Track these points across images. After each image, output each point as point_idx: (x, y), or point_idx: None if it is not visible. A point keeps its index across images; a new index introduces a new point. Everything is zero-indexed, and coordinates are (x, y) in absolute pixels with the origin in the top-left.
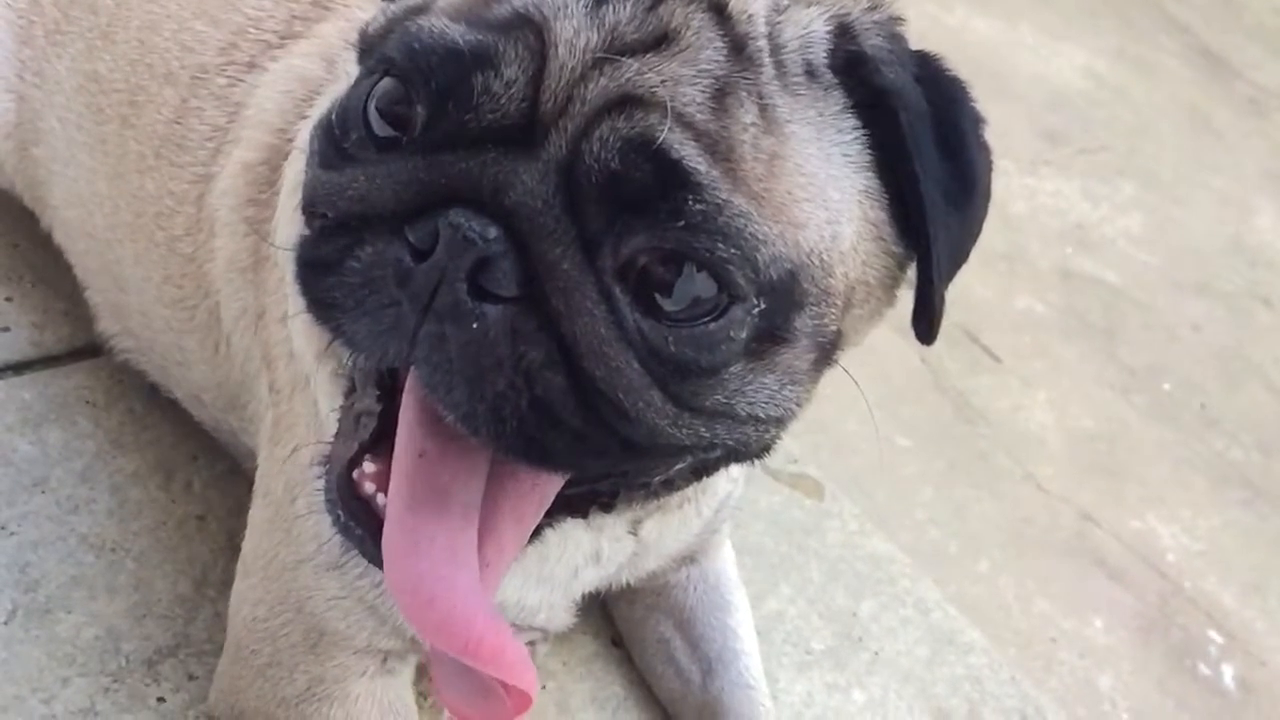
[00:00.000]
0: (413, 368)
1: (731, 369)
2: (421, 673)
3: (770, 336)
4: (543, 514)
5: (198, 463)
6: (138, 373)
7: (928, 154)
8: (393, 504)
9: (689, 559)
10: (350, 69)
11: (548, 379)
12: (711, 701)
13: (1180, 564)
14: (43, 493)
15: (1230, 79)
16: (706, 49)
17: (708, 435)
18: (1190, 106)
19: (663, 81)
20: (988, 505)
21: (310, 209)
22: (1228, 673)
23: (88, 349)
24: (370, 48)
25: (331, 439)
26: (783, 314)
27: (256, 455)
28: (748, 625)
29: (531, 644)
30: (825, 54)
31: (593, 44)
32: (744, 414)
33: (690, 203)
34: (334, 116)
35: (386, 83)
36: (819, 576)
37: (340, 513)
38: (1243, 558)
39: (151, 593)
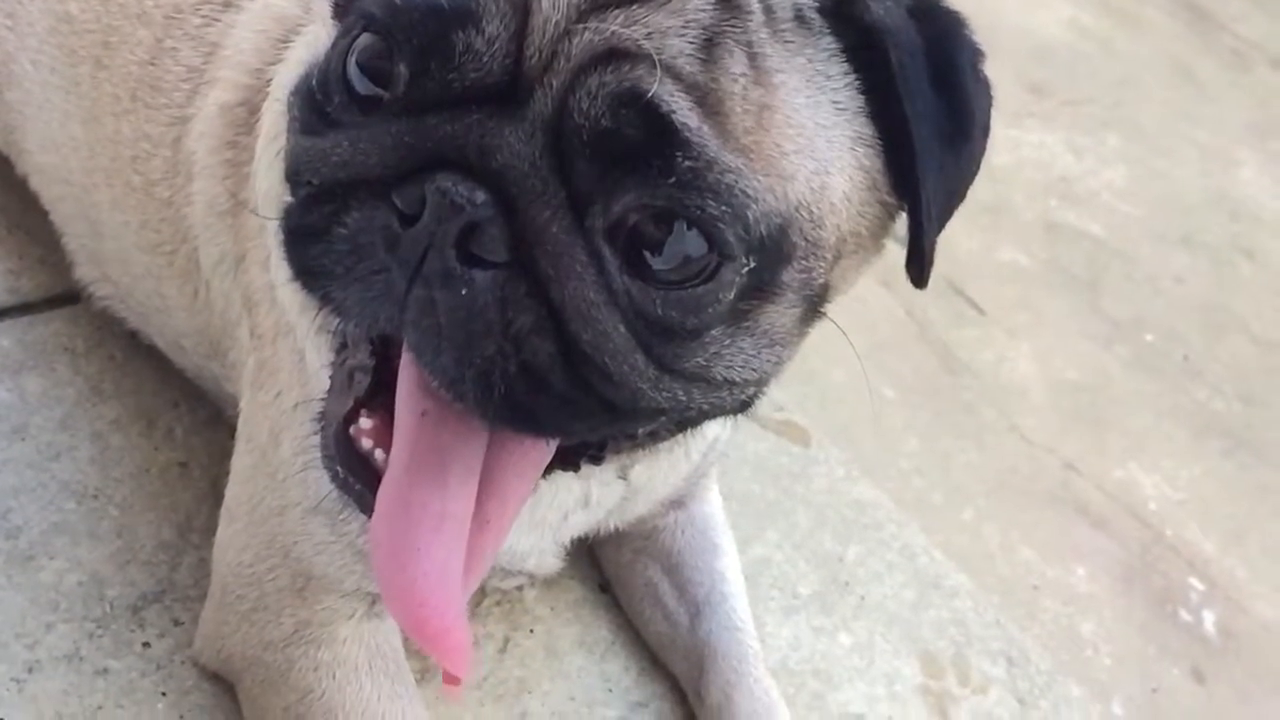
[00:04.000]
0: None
1: (713, 331)
2: None
3: (756, 292)
4: (544, 468)
5: (179, 409)
6: (117, 320)
7: (920, 92)
8: (393, 464)
9: (677, 503)
10: (324, 10)
11: (536, 344)
12: (699, 644)
13: (1162, 513)
14: (22, 440)
15: (1214, 31)
16: (694, 1)
17: (684, 399)
18: (1175, 59)
19: (649, 33)
20: (972, 455)
21: (295, 177)
22: (1209, 619)
23: (66, 296)
24: (346, 3)
25: (324, 395)
26: (770, 269)
27: (239, 402)
28: (735, 569)
29: (519, 588)
30: None
31: None
32: (720, 378)
33: (680, 159)
34: (315, 81)
35: (366, 38)
36: (806, 522)
37: (339, 469)
38: (1224, 506)
39: (135, 539)
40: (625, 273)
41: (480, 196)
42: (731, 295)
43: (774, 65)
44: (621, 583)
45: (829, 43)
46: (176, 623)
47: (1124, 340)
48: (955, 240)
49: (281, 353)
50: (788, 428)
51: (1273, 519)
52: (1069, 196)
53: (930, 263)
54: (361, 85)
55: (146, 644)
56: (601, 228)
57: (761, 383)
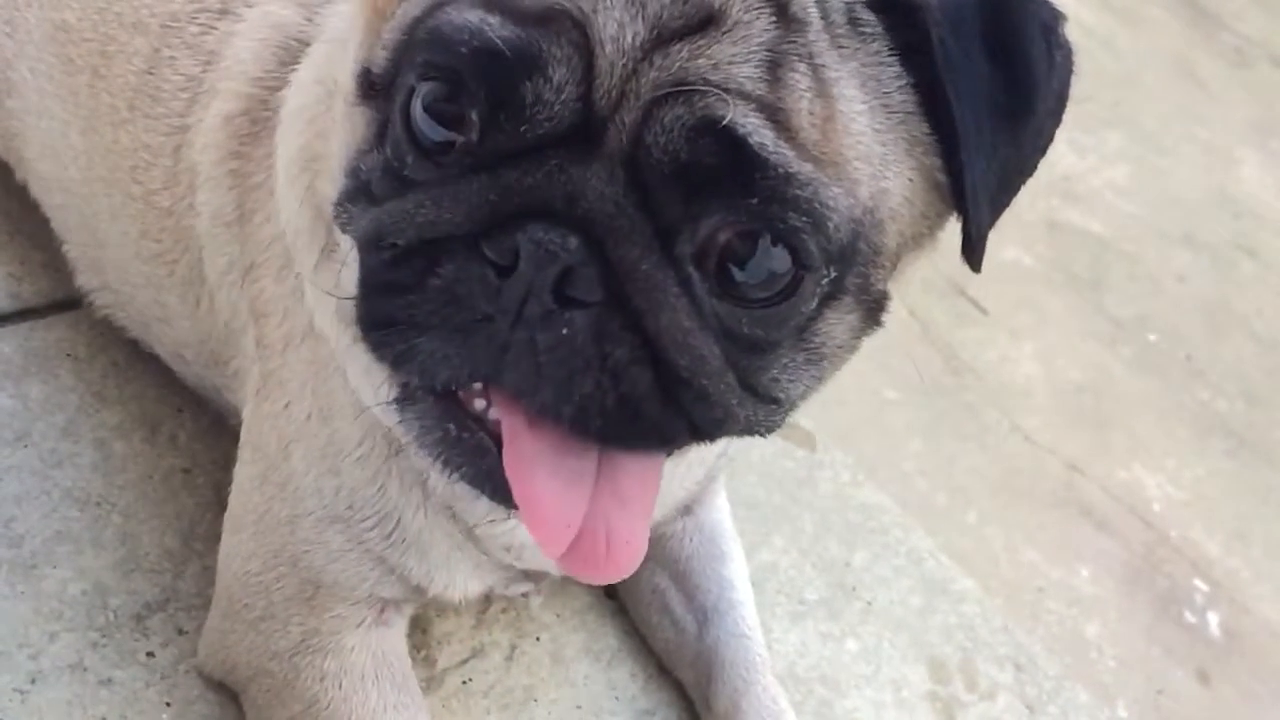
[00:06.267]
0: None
1: (784, 345)
2: (414, 624)
3: (826, 301)
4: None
5: (183, 415)
6: (118, 328)
7: (965, 69)
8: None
9: (685, 510)
10: (349, 97)
11: (634, 374)
12: (707, 651)
13: (1166, 513)
14: (25, 447)
15: (1215, 29)
16: (755, 22)
17: (750, 416)
18: (1176, 57)
19: (714, 64)
20: (975, 457)
21: (378, 241)
22: (1213, 620)
23: (68, 301)
24: (386, 83)
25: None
26: (842, 278)
27: (241, 411)
28: (743, 575)
29: (525, 595)
30: None
31: (640, 39)
32: (780, 395)
33: (759, 178)
34: (389, 149)
35: (428, 85)
36: (811, 527)
37: (451, 425)
38: (1227, 507)
39: (138, 547)
40: (713, 295)
41: (573, 242)
42: (813, 306)
43: (833, 75)
44: (629, 590)
45: (880, 45)
46: (181, 631)
47: (1127, 340)
48: (955, 240)
49: (291, 364)
50: (793, 431)
51: (1277, 519)
52: (1071, 195)
53: (982, 248)
54: (433, 131)
55: (151, 653)
56: (689, 254)
57: (805, 398)
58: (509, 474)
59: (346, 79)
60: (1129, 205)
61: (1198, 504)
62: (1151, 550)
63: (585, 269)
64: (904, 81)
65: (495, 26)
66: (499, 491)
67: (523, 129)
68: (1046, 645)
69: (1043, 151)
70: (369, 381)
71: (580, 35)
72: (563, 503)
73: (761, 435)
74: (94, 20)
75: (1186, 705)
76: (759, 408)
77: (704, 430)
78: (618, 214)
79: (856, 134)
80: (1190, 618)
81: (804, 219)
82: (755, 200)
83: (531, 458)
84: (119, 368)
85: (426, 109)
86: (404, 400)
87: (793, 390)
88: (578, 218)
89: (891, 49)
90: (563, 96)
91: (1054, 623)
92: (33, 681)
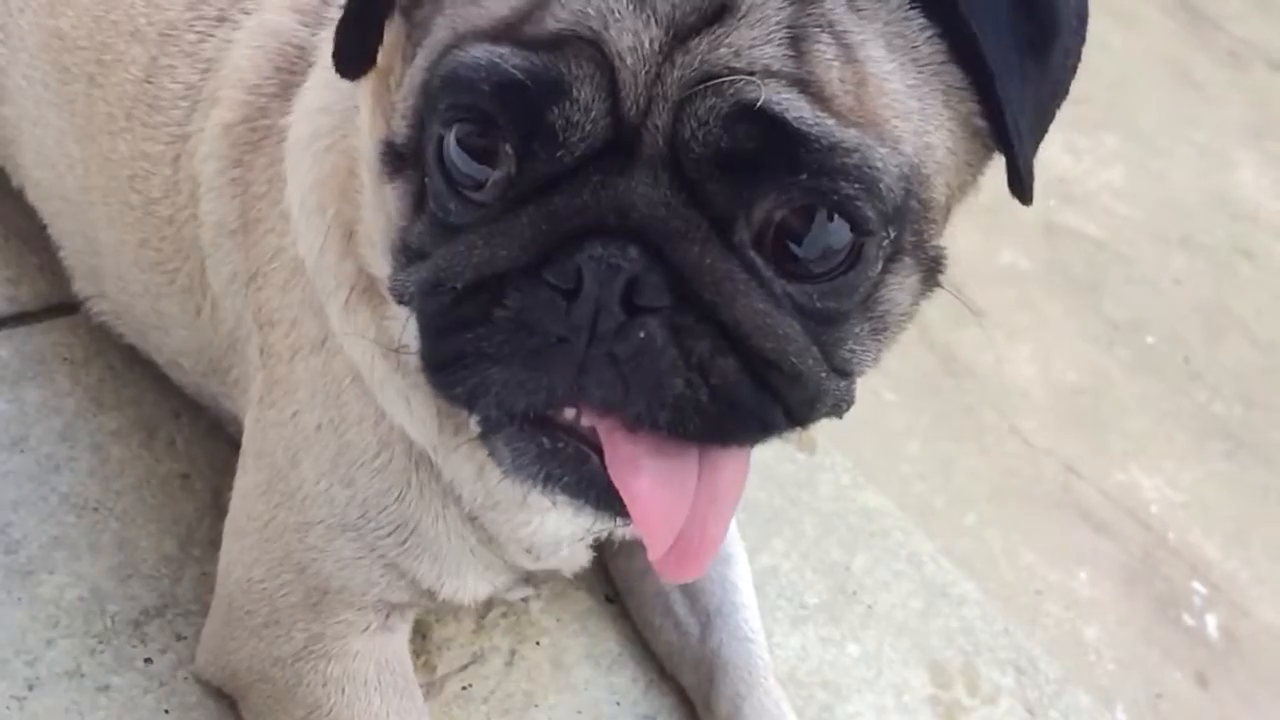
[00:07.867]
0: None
1: (853, 315)
2: (414, 630)
3: (887, 264)
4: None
5: (180, 420)
6: (115, 334)
7: (989, 7)
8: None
9: None
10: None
11: (721, 365)
12: (710, 654)
13: (1164, 516)
14: (22, 452)
15: (1211, 31)
16: (769, 2)
17: (835, 392)
18: (1171, 59)
19: (736, 51)
20: (973, 459)
21: (436, 288)
22: (1212, 623)
23: (65, 305)
24: (413, 154)
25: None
26: (899, 237)
27: (240, 419)
28: (746, 578)
29: (525, 600)
30: None
31: (657, 42)
32: (853, 369)
33: (804, 153)
34: (431, 202)
35: (457, 127)
36: (812, 530)
37: (544, 438)
38: (1226, 509)
39: (136, 553)
40: (780, 276)
41: (632, 252)
42: (878, 269)
43: (857, 39)
44: (632, 592)
45: (899, 1)
46: (179, 638)
47: (1124, 342)
48: (954, 241)
49: (299, 373)
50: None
51: (1275, 521)
52: (1068, 197)
53: (1031, 180)
54: (470, 169)
55: (148, 660)
56: (748, 240)
57: (869, 370)
58: (614, 478)
59: (369, 152)
60: (1125, 207)
61: (1196, 506)
62: (1150, 553)
63: (650, 275)
64: (930, 32)
65: (508, 57)
66: (603, 497)
67: (559, 154)
68: (1045, 648)
69: (1073, 71)
70: (412, 415)
71: (596, 52)
72: (669, 503)
73: (839, 415)
74: (89, 28)
75: (1185, 708)
76: (838, 383)
77: (798, 412)
78: (670, 215)
79: (891, 93)
80: (1189, 620)
81: (856, 185)
82: (805, 176)
83: (634, 460)
84: (116, 372)
85: (460, 144)
86: (488, 432)
87: (863, 362)
88: (631, 228)
89: (911, 2)
90: (592, 115)
91: (1052, 625)
92: (30, 688)
